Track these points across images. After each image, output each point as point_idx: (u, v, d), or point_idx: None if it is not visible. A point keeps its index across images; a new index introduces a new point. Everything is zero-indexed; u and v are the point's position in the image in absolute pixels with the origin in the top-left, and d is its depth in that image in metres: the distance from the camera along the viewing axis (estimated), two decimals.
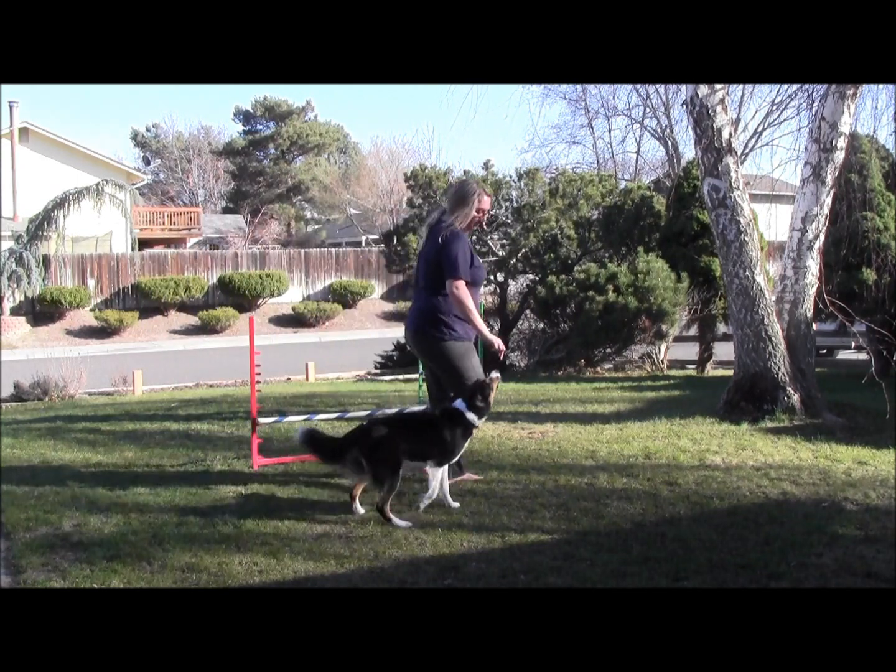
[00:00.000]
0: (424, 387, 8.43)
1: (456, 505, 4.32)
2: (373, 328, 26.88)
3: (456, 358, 4.62)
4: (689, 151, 23.03)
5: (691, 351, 13.07)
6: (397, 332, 18.51)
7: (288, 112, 50.67)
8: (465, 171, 14.56)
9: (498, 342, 4.64)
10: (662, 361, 12.06)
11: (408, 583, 3.31)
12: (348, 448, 4.18)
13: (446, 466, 4.38)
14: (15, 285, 23.27)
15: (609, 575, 3.33)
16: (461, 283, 4.51)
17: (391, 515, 4.10)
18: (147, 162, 51.58)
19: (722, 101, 6.79)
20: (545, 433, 6.32)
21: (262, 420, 5.71)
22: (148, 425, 7.16)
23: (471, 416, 4.33)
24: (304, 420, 6.61)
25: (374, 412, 6.95)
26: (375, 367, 14.51)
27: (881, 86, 9.40)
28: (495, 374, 4.44)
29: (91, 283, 26.24)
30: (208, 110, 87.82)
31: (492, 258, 14.21)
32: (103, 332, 24.54)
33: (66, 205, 23.03)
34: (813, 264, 7.10)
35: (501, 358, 4.95)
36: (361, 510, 4.28)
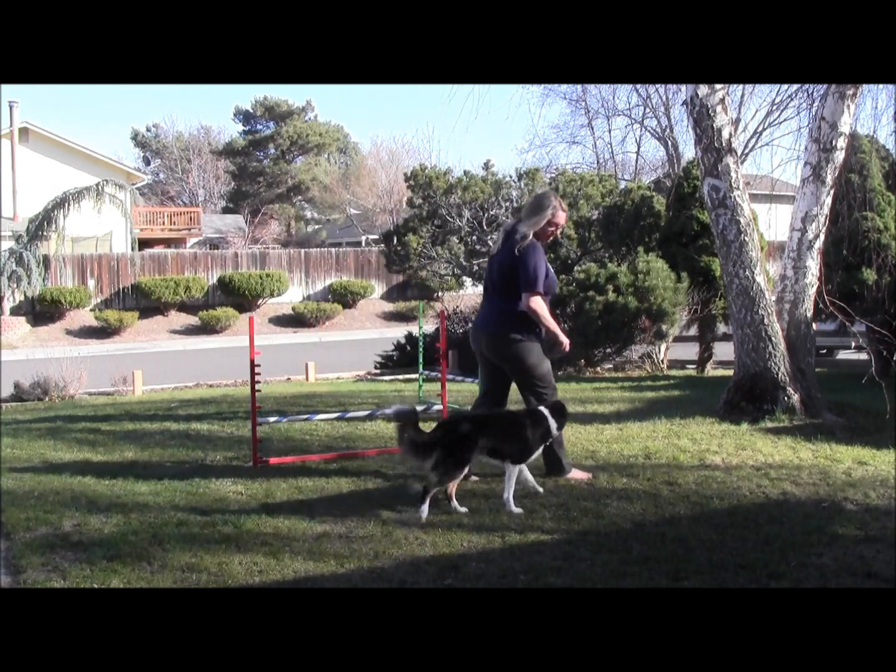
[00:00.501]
0: (425, 387, 8.48)
1: (463, 510, 4.30)
2: (373, 328, 26.89)
3: (530, 359, 4.77)
4: (689, 151, 23.05)
5: (691, 351, 13.06)
6: (397, 331, 18.51)
7: (288, 112, 50.68)
8: (465, 172, 14.55)
9: (566, 343, 4.89)
10: (662, 361, 12.06)
11: (408, 583, 3.31)
12: (433, 447, 4.22)
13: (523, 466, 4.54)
14: (15, 285, 23.28)
15: (609, 575, 3.33)
16: (538, 297, 4.67)
17: (427, 501, 4.19)
18: (147, 162, 51.60)
19: (722, 101, 6.79)
20: None
21: (262, 420, 5.71)
22: (148, 425, 7.16)
23: (553, 423, 4.55)
24: (304, 420, 6.62)
25: (374, 412, 6.96)
26: (375, 367, 14.51)
27: (881, 86, 9.41)
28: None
29: (91, 283, 26.25)
30: (208, 110, 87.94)
31: None
32: (103, 332, 24.55)
33: (66, 205, 23.03)
34: (813, 264, 7.10)
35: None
36: (462, 509, 4.30)
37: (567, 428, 6.48)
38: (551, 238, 5.00)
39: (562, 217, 4.84)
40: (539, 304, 4.66)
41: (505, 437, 4.42)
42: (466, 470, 4.37)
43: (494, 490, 4.69)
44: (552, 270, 4.92)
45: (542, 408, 4.60)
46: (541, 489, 4.58)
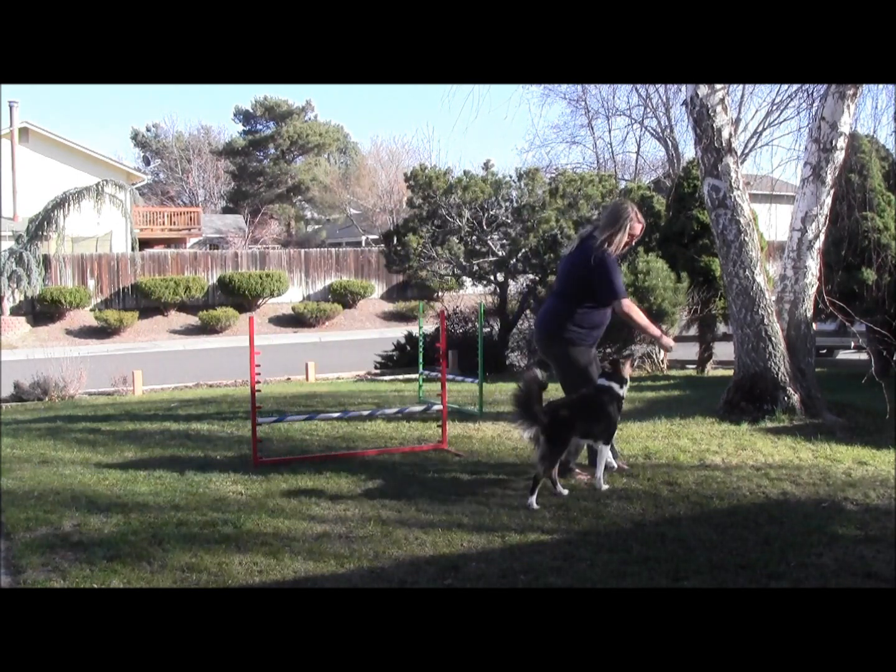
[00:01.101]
0: (425, 387, 8.47)
1: (566, 492, 4.60)
2: (373, 328, 26.88)
3: (575, 362, 4.89)
4: (689, 151, 23.05)
5: (691, 351, 13.06)
6: (397, 331, 18.50)
7: (288, 112, 50.66)
8: (465, 172, 14.53)
9: (670, 343, 5.21)
10: (662, 361, 12.06)
11: (408, 583, 3.31)
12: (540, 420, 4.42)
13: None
14: (15, 285, 23.27)
15: (609, 575, 3.33)
16: (627, 301, 4.86)
17: (535, 491, 4.38)
18: (147, 162, 51.58)
19: (722, 101, 6.78)
20: None
21: (261, 420, 5.71)
22: (148, 425, 7.16)
23: (621, 389, 4.74)
24: (304, 420, 6.62)
25: (374, 412, 6.96)
26: (375, 367, 14.51)
27: (881, 86, 9.40)
28: (628, 352, 4.78)
29: (91, 283, 26.24)
30: (208, 110, 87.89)
31: (492, 258, 14.22)
32: (103, 332, 24.54)
33: (66, 205, 23.02)
34: (813, 264, 7.10)
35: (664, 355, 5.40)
36: (564, 491, 4.57)
37: None
38: (627, 248, 5.04)
39: (638, 229, 4.90)
40: (632, 307, 4.87)
41: (593, 418, 4.64)
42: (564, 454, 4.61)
43: (494, 490, 4.69)
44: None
45: (602, 381, 4.75)
46: (624, 465, 5.04)
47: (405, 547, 3.75)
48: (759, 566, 3.39)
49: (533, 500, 4.35)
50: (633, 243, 5.05)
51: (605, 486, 4.63)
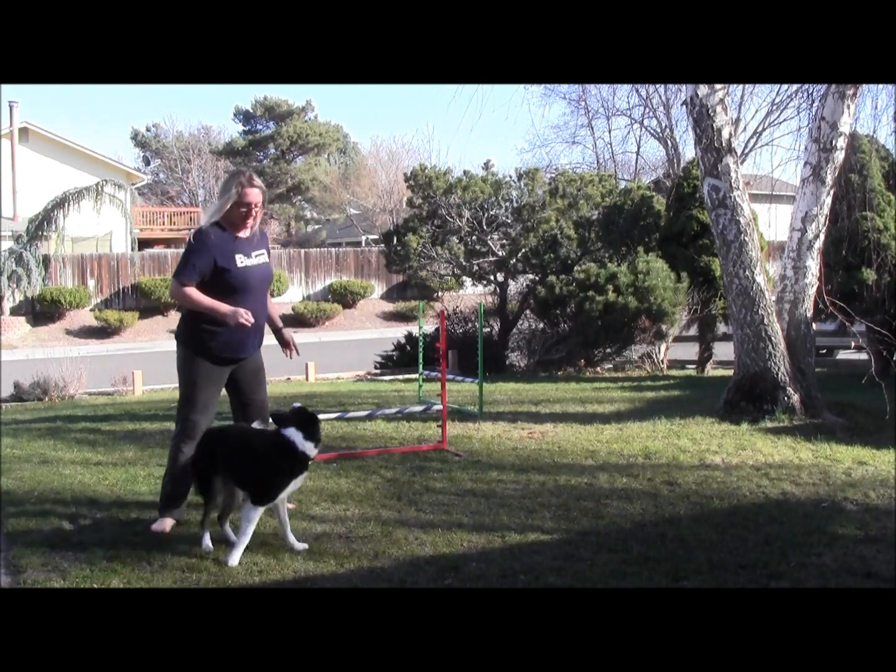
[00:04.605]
0: (425, 387, 8.47)
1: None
2: (373, 328, 26.88)
3: (185, 371, 4.34)
4: (689, 151, 23.08)
5: (691, 351, 13.07)
6: (397, 331, 18.50)
7: (288, 112, 50.64)
8: (465, 172, 14.55)
9: (241, 319, 4.01)
10: (662, 361, 12.07)
11: (408, 583, 3.31)
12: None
13: None
14: (15, 285, 23.27)
15: (609, 575, 3.33)
16: (176, 287, 4.06)
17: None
18: (147, 162, 51.54)
19: (722, 101, 6.79)
20: (545, 433, 6.32)
21: None
22: (148, 425, 7.16)
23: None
24: None
25: (374, 412, 6.96)
26: (375, 367, 14.51)
27: (881, 86, 9.40)
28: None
29: (91, 283, 26.24)
30: (208, 110, 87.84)
31: (492, 258, 14.22)
32: (103, 332, 24.54)
33: (66, 205, 23.01)
34: (813, 264, 7.11)
35: None
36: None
37: (567, 428, 6.52)
38: (252, 219, 4.14)
39: (252, 194, 4.03)
40: (185, 296, 4.05)
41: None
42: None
43: (494, 490, 4.69)
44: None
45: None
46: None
47: (405, 547, 3.75)
48: (759, 566, 3.39)
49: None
50: (256, 213, 4.12)
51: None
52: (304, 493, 4.71)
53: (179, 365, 4.27)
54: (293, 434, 3.64)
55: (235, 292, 4.06)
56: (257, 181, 4.13)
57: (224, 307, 3.96)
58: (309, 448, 3.66)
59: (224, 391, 4.45)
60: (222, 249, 4.03)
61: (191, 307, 4.08)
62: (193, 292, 4.00)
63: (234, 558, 3.53)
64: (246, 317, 3.95)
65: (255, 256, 4.22)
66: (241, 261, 4.11)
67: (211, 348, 4.16)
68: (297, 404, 3.83)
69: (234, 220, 4.08)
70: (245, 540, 3.59)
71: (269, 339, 4.49)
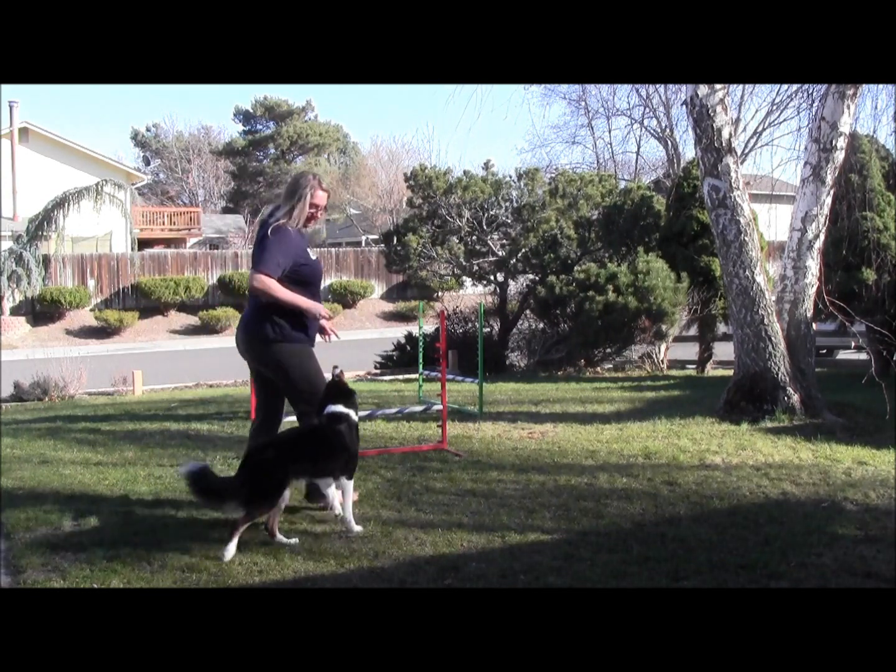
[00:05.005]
0: (425, 387, 8.47)
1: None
2: (373, 328, 26.87)
3: (295, 364, 4.27)
4: (689, 151, 23.09)
5: (691, 351, 13.07)
6: (397, 331, 18.49)
7: (288, 112, 50.65)
8: (465, 172, 14.54)
9: (324, 313, 4.28)
10: (662, 361, 12.07)
11: (408, 583, 3.31)
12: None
13: None
14: (15, 285, 23.27)
15: (609, 575, 3.33)
16: (261, 276, 4.10)
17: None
18: (147, 162, 51.56)
19: (722, 101, 6.79)
20: (545, 433, 6.32)
21: None
22: (148, 425, 7.16)
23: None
24: None
25: (374, 412, 6.96)
26: (375, 367, 14.50)
27: (881, 86, 9.40)
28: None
29: (91, 283, 26.24)
30: (208, 110, 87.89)
31: (492, 258, 14.22)
32: (103, 332, 24.54)
33: (66, 205, 23.01)
34: (813, 264, 7.11)
35: None
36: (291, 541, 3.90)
37: (567, 428, 6.52)
38: (313, 221, 4.41)
39: (320, 197, 4.30)
40: (268, 284, 4.09)
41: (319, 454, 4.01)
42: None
43: (494, 490, 4.69)
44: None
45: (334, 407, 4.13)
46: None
47: (405, 547, 3.75)
48: (759, 566, 3.39)
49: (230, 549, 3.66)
50: (319, 214, 4.39)
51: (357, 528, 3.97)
52: (304, 492, 4.71)
53: (285, 362, 4.25)
54: (338, 408, 4.04)
55: (309, 285, 4.31)
56: (325, 184, 4.40)
57: (306, 301, 4.19)
58: (353, 415, 4.09)
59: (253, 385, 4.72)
60: (298, 245, 4.25)
61: (273, 299, 4.14)
62: (278, 285, 4.12)
63: (354, 527, 3.94)
64: (323, 312, 4.26)
65: (312, 253, 4.46)
66: (313, 255, 4.39)
67: (305, 329, 4.30)
68: (337, 369, 4.23)
69: (300, 219, 4.27)
70: (350, 505, 3.99)
71: None
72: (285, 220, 4.22)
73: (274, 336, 4.18)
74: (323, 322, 4.30)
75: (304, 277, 4.25)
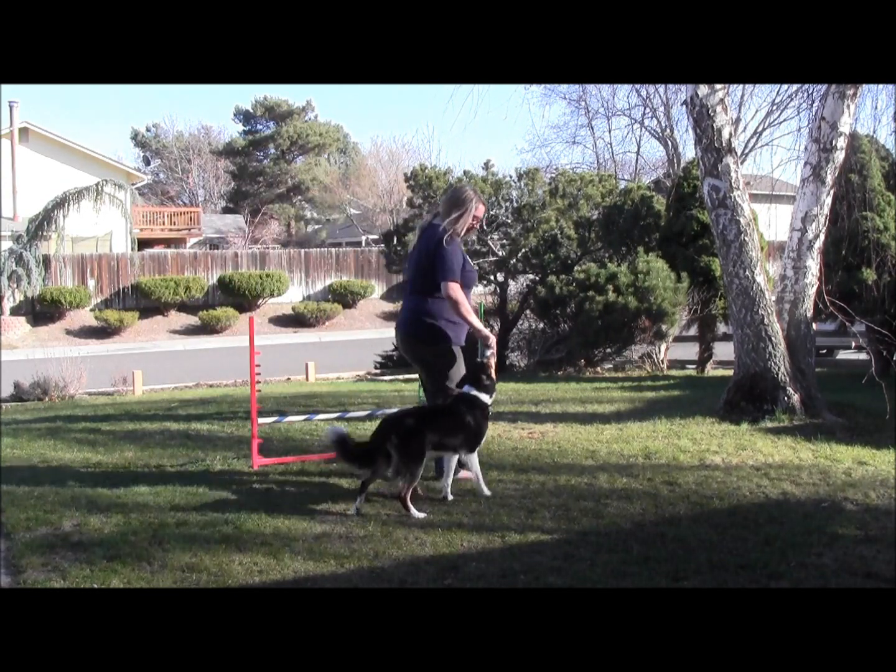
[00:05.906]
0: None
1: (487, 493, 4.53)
2: (373, 328, 26.88)
3: (444, 362, 4.76)
4: (689, 151, 23.09)
5: (691, 351, 13.07)
6: None
7: (288, 112, 50.63)
8: (465, 172, 14.55)
9: (491, 340, 4.70)
10: (662, 361, 12.06)
11: (408, 583, 3.31)
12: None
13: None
14: (15, 285, 23.29)
15: (609, 575, 3.33)
16: (453, 284, 4.61)
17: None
18: (147, 162, 51.54)
19: (722, 101, 6.79)
20: (545, 433, 6.32)
21: (262, 420, 5.70)
22: (148, 425, 7.16)
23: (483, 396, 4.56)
24: (304, 420, 6.62)
25: (374, 412, 6.95)
26: (375, 367, 14.50)
27: (881, 86, 9.40)
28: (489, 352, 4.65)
29: (91, 283, 26.25)
30: (208, 110, 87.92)
31: (492, 258, 14.21)
32: (103, 332, 24.54)
33: (66, 205, 23.03)
34: (813, 264, 7.10)
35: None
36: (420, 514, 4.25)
37: (567, 428, 6.51)
38: (472, 231, 5.02)
39: (481, 210, 4.78)
40: (458, 293, 4.61)
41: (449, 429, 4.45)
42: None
43: (494, 490, 4.68)
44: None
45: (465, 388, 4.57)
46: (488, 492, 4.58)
47: (405, 547, 3.75)
48: (759, 566, 3.39)
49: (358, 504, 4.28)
50: (478, 225, 4.95)
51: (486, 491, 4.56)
52: (304, 492, 4.72)
53: (438, 361, 4.74)
54: (471, 390, 4.51)
55: (468, 288, 4.78)
56: (482, 198, 4.84)
57: (483, 330, 4.70)
58: (484, 398, 4.53)
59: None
60: (462, 252, 4.75)
61: (458, 312, 4.61)
62: (464, 297, 4.63)
63: (485, 490, 4.50)
64: (493, 343, 4.67)
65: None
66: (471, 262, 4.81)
67: (458, 336, 4.76)
68: (486, 353, 4.62)
69: (459, 229, 4.68)
70: (479, 471, 4.53)
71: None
72: (451, 229, 4.63)
73: (435, 336, 4.67)
74: (488, 353, 4.63)
75: (467, 281, 4.73)
